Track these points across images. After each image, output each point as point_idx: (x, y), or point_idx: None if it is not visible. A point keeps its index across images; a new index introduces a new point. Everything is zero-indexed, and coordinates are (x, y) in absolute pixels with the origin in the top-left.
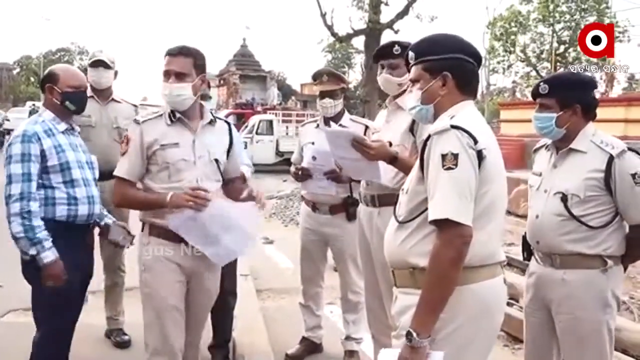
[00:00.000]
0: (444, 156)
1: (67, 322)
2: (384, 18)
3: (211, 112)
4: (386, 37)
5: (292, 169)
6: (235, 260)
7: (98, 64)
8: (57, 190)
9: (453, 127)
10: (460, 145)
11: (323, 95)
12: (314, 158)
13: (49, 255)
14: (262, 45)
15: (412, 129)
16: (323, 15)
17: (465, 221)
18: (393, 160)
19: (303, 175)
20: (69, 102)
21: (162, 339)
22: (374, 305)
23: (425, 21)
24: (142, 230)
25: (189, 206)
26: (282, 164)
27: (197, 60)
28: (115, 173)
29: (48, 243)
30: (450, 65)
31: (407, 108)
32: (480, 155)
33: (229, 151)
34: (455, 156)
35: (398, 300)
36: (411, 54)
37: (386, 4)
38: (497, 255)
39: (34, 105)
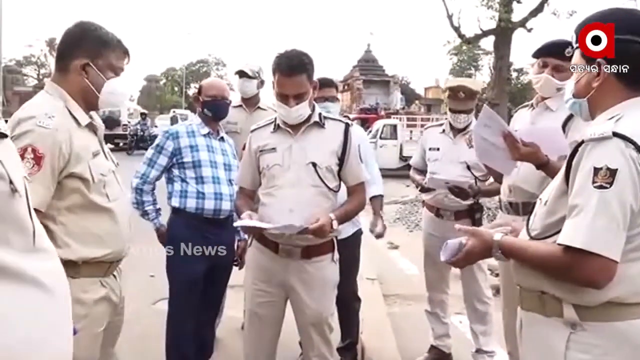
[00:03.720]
0: (597, 170)
1: (186, 302)
2: (516, 16)
3: (320, 114)
4: (518, 36)
5: (415, 176)
6: (357, 265)
7: (241, 74)
8: (189, 185)
9: (616, 135)
10: (622, 159)
11: (457, 110)
12: (435, 173)
13: (155, 223)
14: (385, 49)
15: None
16: (450, 17)
17: (609, 254)
18: (542, 165)
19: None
20: (207, 109)
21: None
22: (512, 320)
23: (563, 17)
24: None
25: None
26: (406, 169)
27: (309, 71)
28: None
29: (153, 215)
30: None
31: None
32: None
33: (343, 155)
34: (613, 172)
35: (523, 326)
36: (573, 33)
37: (519, 2)
38: None
39: (174, 112)
